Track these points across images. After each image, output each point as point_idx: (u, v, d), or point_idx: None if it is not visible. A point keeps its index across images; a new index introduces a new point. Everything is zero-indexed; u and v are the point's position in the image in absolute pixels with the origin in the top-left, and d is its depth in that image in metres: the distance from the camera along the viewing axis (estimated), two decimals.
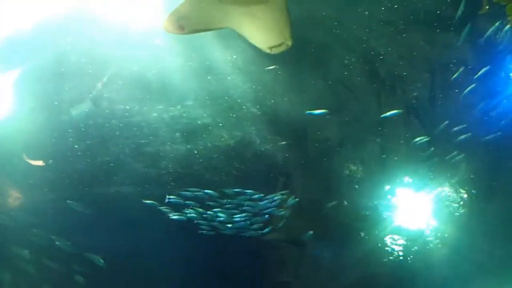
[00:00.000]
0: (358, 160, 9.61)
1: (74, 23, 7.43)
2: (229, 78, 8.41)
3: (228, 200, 9.21)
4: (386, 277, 9.75)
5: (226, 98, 8.64)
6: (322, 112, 8.55)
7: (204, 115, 8.79)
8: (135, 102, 8.51)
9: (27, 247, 9.32)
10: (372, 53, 8.58)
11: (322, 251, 10.04)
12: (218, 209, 9.24)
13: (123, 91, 8.38)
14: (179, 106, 8.68)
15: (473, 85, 8.31)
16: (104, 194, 9.22)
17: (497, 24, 7.62)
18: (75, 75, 8.22)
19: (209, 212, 9.24)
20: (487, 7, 6.56)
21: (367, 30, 8.34)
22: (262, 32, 4.00)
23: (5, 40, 7.45)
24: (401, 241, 9.72)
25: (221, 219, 9.29)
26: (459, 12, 7.68)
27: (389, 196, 9.55)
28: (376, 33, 8.31)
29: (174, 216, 9.16)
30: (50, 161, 8.87)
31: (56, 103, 8.48)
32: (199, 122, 8.89)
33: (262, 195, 9.21)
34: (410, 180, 9.44)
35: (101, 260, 9.12)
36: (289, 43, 4.02)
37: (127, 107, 8.55)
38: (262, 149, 9.25)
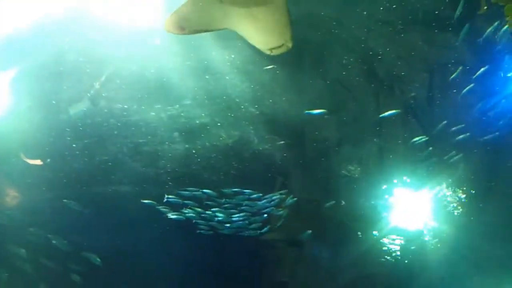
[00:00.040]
0: (356, 160, 9.62)
1: (72, 23, 7.41)
2: (227, 77, 8.40)
3: (227, 199, 9.21)
4: (384, 277, 9.76)
5: (224, 97, 8.63)
6: (321, 112, 8.55)
7: (202, 114, 8.78)
8: (133, 102, 8.50)
9: (24, 246, 9.31)
10: (371, 53, 8.57)
11: (320, 250, 10.05)
12: (216, 209, 9.24)
13: (121, 90, 8.37)
14: (177, 106, 8.67)
15: (471, 85, 8.30)
16: (102, 193, 9.21)
17: (495, 24, 7.62)
18: (73, 74, 8.21)
19: (207, 212, 9.24)
20: (485, 7, 6.56)
21: (365, 30, 8.33)
22: (263, 34, 4.00)
23: (3, 39, 7.43)
24: (399, 241, 9.73)
25: (220, 218, 9.29)
26: (458, 12, 7.68)
27: (386, 196, 9.56)
28: (375, 33, 8.30)
29: (172, 215, 9.16)
30: (48, 160, 8.86)
31: (54, 102, 8.47)
32: (197, 122, 8.88)
33: (261, 194, 9.21)
34: (408, 180, 9.45)
35: (98, 259, 9.11)
36: (290, 44, 4.03)
37: (125, 106, 8.54)
38: (260, 148, 9.24)
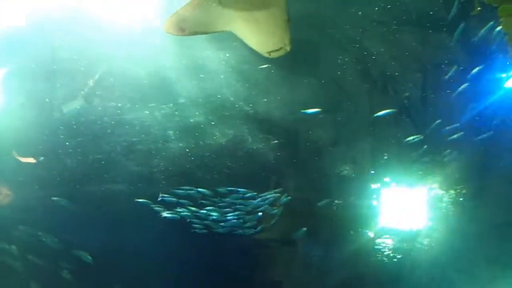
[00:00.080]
0: (350, 159, 9.64)
1: (66, 21, 7.37)
2: (222, 76, 8.39)
3: (221, 198, 9.21)
4: (376, 276, 9.79)
5: (218, 96, 8.62)
6: (317, 111, 8.56)
7: (197, 113, 8.77)
8: (127, 100, 8.47)
9: (14, 244, 9.25)
10: (365, 53, 8.59)
11: (313, 249, 10.07)
12: (211, 208, 9.24)
13: (115, 89, 8.33)
14: (172, 104, 8.65)
15: (465, 85, 8.34)
16: (95, 192, 9.17)
17: (489, 25, 7.65)
18: (67, 72, 8.16)
19: (202, 211, 9.23)
20: (479, 8, 6.59)
21: (360, 30, 8.33)
22: (262, 37, 4.02)
23: None
24: (391, 241, 9.77)
25: (214, 217, 9.29)
26: (452, 13, 7.71)
27: (379, 195, 9.58)
28: (369, 33, 8.31)
29: (167, 214, 9.14)
30: (41, 158, 8.81)
31: (47, 100, 8.42)
32: (192, 121, 8.87)
33: (255, 193, 9.22)
34: (401, 180, 9.49)
35: (89, 257, 9.09)
36: (288, 48, 4.05)
37: (119, 105, 8.51)
38: (254, 147, 9.24)
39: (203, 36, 7.47)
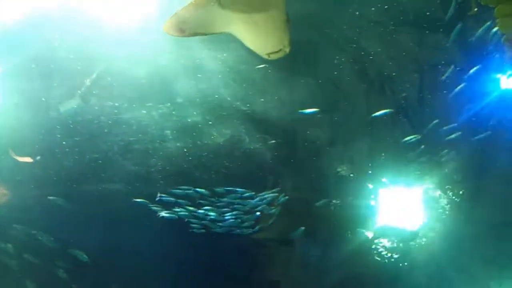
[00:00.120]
0: (348, 159, 9.66)
1: (63, 19, 7.33)
2: (219, 76, 8.38)
3: (219, 198, 9.21)
4: (373, 276, 9.81)
5: (216, 96, 8.61)
6: (314, 111, 8.57)
7: (194, 113, 8.76)
8: (124, 99, 8.45)
9: (11, 242, 9.24)
10: (363, 53, 8.60)
11: (311, 249, 10.08)
12: (209, 207, 9.24)
13: (112, 88, 8.31)
14: (169, 104, 8.64)
15: (462, 85, 8.36)
16: (92, 191, 9.17)
17: (486, 25, 7.67)
18: (64, 71, 8.13)
19: (200, 211, 9.23)
20: (475, 9, 6.60)
21: (357, 30, 8.35)
22: (262, 39, 4.03)
23: None
24: (389, 240, 9.79)
25: (212, 217, 9.29)
26: (449, 13, 7.73)
27: (376, 196, 9.60)
28: (367, 33, 8.32)
29: (164, 214, 9.14)
30: (38, 157, 8.79)
31: (44, 99, 8.39)
32: (189, 120, 8.86)
33: (253, 193, 9.22)
34: (399, 180, 9.50)
35: (85, 256, 9.08)
36: (287, 49, 4.05)
37: (116, 104, 8.49)
38: (252, 147, 9.25)
39: (201, 36, 7.50)
